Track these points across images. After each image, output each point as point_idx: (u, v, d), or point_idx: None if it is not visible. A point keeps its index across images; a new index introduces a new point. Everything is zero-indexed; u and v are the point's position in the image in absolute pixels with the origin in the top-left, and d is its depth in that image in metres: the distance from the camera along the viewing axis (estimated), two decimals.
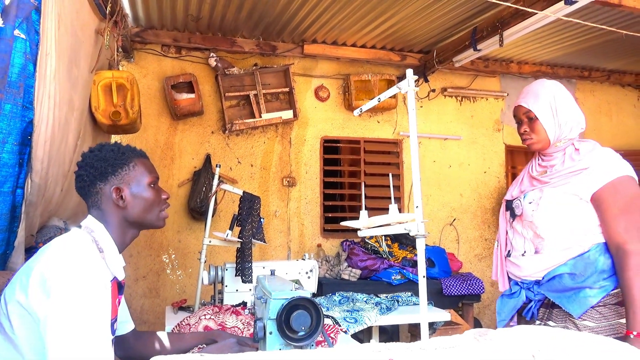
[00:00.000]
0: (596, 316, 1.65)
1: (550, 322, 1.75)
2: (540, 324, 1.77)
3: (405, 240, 4.12)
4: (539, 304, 1.79)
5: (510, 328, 0.81)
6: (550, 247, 1.74)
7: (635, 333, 1.51)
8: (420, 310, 1.45)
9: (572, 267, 1.69)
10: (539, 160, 1.90)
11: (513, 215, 1.89)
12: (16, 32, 1.57)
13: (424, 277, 1.44)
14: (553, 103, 1.78)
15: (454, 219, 4.70)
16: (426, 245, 4.30)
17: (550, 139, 1.80)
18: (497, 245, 2.01)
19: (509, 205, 1.94)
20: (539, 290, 1.77)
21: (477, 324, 4.35)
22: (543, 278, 1.76)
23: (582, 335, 0.77)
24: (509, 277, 1.96)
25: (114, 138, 3.72)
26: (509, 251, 1.92)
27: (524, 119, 1.84)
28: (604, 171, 1.68)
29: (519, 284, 1.85)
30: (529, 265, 1.80)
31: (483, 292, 3.83)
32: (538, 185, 1.82)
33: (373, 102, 1.78)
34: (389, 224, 1.63)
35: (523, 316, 1.84)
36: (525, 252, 1.82)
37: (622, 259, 1.59)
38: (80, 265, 1.20)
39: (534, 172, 1.89)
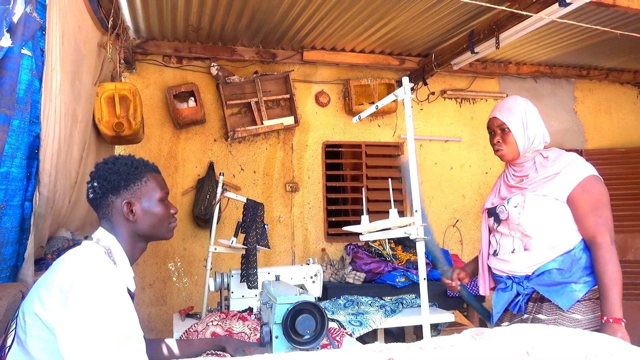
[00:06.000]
0: (583, 309, 1.77)
1: (540, 315, 1.84)
2: (528, 317, 1.87)
3: (408, 243, 4.15)
4: (527, 298, 1.90)
5: (506, 326, 0.85)
6: (538, 245, 1.86)
7: (606, 318, 1.67)
8: (422, 312, 1.48)
9: (560, 263, 1.82)
10: (511, 170, 2.03)
11: (498, 221, 2.01)
12: (23, 50, 1.61)
13: (424, 279, 1.47)
14: (524, 118, 1.94)
15: (457, 220, 4.72)
16: None
17: (519, 150, 1.95)
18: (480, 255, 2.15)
19: (492, 212, 2.05)
20: (528, 285, 1.88)
21: (483, 325, 4.36)
22: (533, 273, 1.87)
23: (575, 332, 0.81)
24: (494, 276, 2.07)
25: (118, 149, 3.77)
26: (495, 251, 2.03)
27: (497, 130, 1.99)
28: (573, 174, 1.83)
29: (511, 278, 1.95)
30: (519, 261, 1.91)
31: (487, 292, 3.85)
32: (518, 192, 1.94)
33: (371, 109, 1.82)
34: (389, 228, 1.66)
35: (510, 310, 1.95)
36: (514, 249, 1.93)
37: (594, 252, 1.76)
38: (99, 275, 1.21)
39: (510, 181, 2.02)
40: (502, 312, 1.98)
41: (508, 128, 1.94)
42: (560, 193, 1.83)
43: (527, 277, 1.88)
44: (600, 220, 1.77)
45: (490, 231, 2.09)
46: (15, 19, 1.54)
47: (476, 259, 2.22)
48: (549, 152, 1.95)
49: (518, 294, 1.91)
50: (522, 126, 1.93)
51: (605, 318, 1.67)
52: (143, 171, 1.45)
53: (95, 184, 1.41)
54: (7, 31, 1.52)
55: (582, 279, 1.78)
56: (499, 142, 1.98)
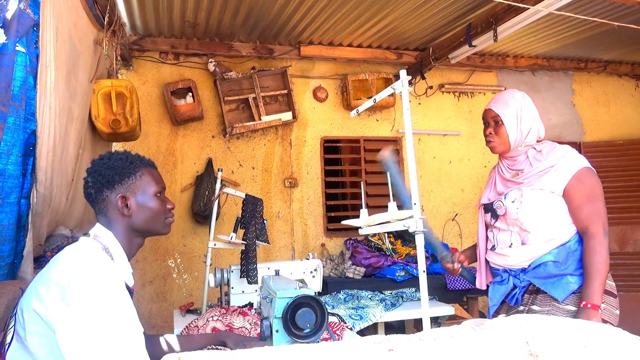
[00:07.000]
0: (577, 300, 1.78)
1: (534, 307, 1.86)
2: (524, 309, 1.89)
3: (408, 237, 4.14)
4: (523, 291, 1.92)
5: (505, 317, 0.84)
6: (535, 239, 1.87)
7: (584, 303, 1.71)
8: (422, 305, 1.48)
9: (555, 255, 1.84)
10: (505, 164, 2.05)
11: (495, 216, 2.01)
12: (17, 46, 1.60)
13: (424, 271, 1.47)
14: (519, 112, 1.96)
15: (456, 214, 4.72)
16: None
17: (511, 144, 1.97)
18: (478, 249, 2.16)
19: (489, 208, 2.05)
20: (525, 277, 1.90)
21: (483, 318, 4.37)
22: (529, 266, 1.89)
23: (574, 322, 0.80)
24: (491, 269, 2.09)
25: (115, 146, 3.76)
26: (493, 246, 2.04)
27: (491, 122, 2.01)
28: (568, 166, 1.85)
29: (508, 271, 1.96)
30: (516, 254, 1.93)
31: (484, 286, 3.85)
32: (514, 186, 1.94)
33: (369, 103, 1.82)
34: (388, 222, 1.66)
35: (507, 302, 1.97)
36: (512, 244, 1.94)
37: (585, 242, 1.79)
38: (97, 270, 1.21)
39: (505, 174, 2.03)
40: (498, 304, 2.00)
41: (501, 121, 1.95)
42: (556, 186, 1.85)
43: (524, 270, 1.90)
44: (593, 211, 1.80)
45: (487, 226, 2.10)
46: (8, 15, 1.53)
47: (474, 247, 2.22)
48: (542, 145, 1.97)
49: (515, 287, 1.93)
50: (516, 120, 1.94)
51: (584, 303, 1.70)
52: (138, 166, 1.45)
53: (90, 179, 1.42)
54: (1, 27, 1.52)
55: (577, 271, 1.80)
56: (490, 133, 2.00)
